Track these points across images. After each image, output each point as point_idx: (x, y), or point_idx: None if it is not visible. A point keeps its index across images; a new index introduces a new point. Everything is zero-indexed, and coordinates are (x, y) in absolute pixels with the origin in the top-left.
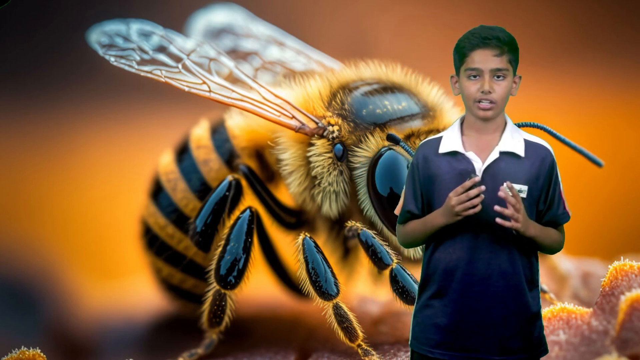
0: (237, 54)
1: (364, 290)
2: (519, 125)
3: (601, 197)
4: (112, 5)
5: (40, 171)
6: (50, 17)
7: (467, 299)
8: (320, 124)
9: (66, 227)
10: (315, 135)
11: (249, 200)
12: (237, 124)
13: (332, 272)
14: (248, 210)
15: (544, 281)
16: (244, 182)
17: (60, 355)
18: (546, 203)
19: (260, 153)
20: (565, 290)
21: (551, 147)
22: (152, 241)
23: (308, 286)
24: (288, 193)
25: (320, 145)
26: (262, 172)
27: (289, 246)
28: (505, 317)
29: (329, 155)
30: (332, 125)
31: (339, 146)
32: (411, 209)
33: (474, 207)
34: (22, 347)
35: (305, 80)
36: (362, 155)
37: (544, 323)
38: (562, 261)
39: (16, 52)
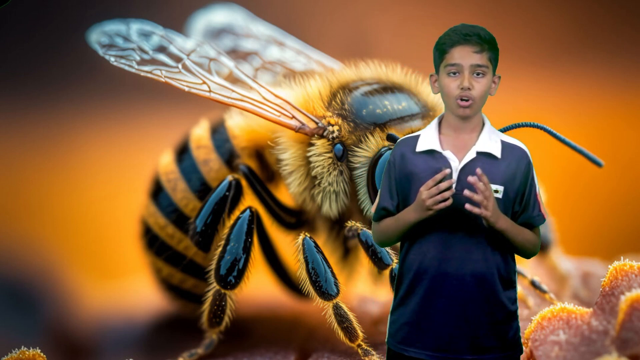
0: (237, 54)
1: (364, 290)
2: (519, 126)
3: (601, 197)
4: (112, 5)
5: (40, 171)
6: (50, 17)
7: (440, 298)
8: (320, 124)
9: (66, 227)
10: (315, 135)
11: (249, 200)
12: (237, 124)
13: (332, 272)
14: (248, 210)
15: (544, 281)
16: (244, 182)
17: (60, 355)
18: (522, 204)
19: (260, 153)
20: (565, 290)
21: (528, 149)
22: (152, 241)
23: (308, 286)
24: (288, 193)
25: (320, 145)
26: (262, 172)
27: (289, 246)
28: (479, 317)
29: (329, 155)
30: (332, 125)
31: (339, 146)
32: (387, 206)
33: (445, 200)
34: (22, 347)
35: (305, 80)
36: (362, 155)
37: (544, 323)
38: (562, 261)
39: (16, 52)
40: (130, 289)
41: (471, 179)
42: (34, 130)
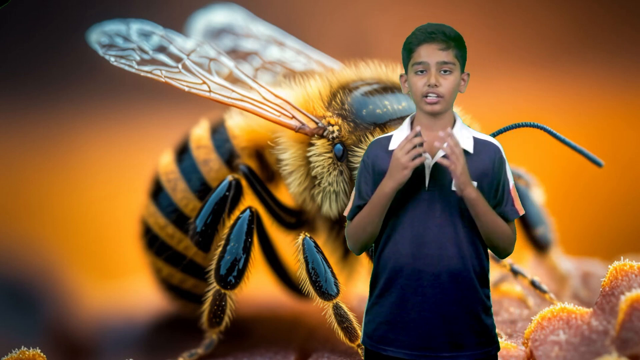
0: (237, 54)
1: (364, 290)
2: (519, 126)
3: (601, 197)
4: (112, 5)
5: (40, 171)
6: (50, 17)
7: (417, 296)
8: (320, 124)
9: (66, 227)
10: (315, 135)
11: (249, 200)
12: (237, 124)
13: (332, 272)
14: (248, 210)
15: (544, 281)
16: (244, 182)
17: (60, 355)
18: (495, 199)
19: (260, 153)
20: (565, 290)
21: (500, 145)
22: (152, 241)
23: (308, 286)
24: (288, 193)
25: (320, 145)
26: (262, 172)
27: (289, 246)
28: (456, 314)
29: (329, 155)
30: (332, 125)
31: (339, 146)
32: (362, 205)
33: (418, 158)
34: (22, 347)
35: (305, 80)
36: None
37: (544, 323)
38: (562, 261)
39: (16, 52)
40: (130, 289)
41: (441, 133)
42: (34, 130)
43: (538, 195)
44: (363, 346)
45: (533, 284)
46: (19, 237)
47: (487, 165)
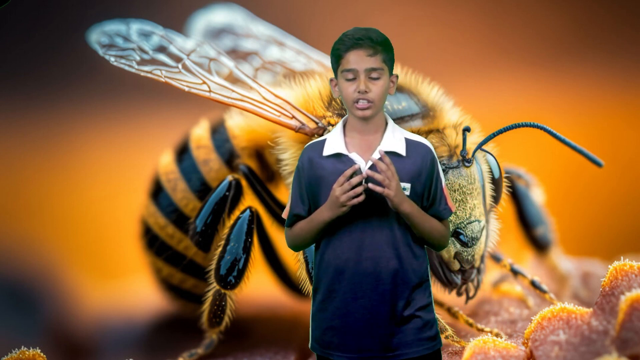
0: (237, 54)
1: None
2: (519, 126)
3: (601, 197)
4: (112, 5)
5: (40, 171)
6: (50, 17)
7: (359, 299)
8: (320, 124)
9: (66, 227)
10: (315, 135)
11: (249, 200)
12: (237, 124)
13: None
14: (248, 210)
15: (544, 281)
16: (244, 182)
17: (60, 355)
18: (429, 199)
19: (260, 153)
20: (565, 290)
21: (432, 145)
22: (152, 241)
23: (308, 286)
24: (288, 193)
25: None
26: (262, 172)
27: None
28: (396, 314)
29: None
30: (332, 125)
31: None
32: (298, 212)
33: (357, 196)
34: (22, 347)
35: (305, 80)
36: None
37: (544, 323)
38: (562, 261)
39: (16, 52)
40: (130, 289)
41: (373, 158)
42: (34, 130)
43: (538, 195)
44: None
45: (533, 284)
46: (19, 237)
47: (419, 166)
